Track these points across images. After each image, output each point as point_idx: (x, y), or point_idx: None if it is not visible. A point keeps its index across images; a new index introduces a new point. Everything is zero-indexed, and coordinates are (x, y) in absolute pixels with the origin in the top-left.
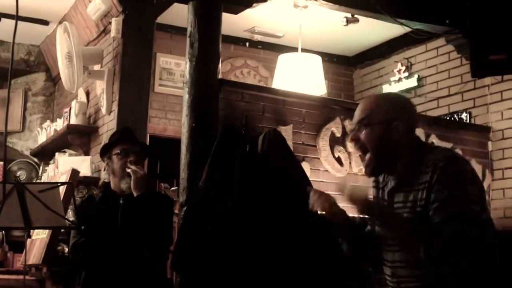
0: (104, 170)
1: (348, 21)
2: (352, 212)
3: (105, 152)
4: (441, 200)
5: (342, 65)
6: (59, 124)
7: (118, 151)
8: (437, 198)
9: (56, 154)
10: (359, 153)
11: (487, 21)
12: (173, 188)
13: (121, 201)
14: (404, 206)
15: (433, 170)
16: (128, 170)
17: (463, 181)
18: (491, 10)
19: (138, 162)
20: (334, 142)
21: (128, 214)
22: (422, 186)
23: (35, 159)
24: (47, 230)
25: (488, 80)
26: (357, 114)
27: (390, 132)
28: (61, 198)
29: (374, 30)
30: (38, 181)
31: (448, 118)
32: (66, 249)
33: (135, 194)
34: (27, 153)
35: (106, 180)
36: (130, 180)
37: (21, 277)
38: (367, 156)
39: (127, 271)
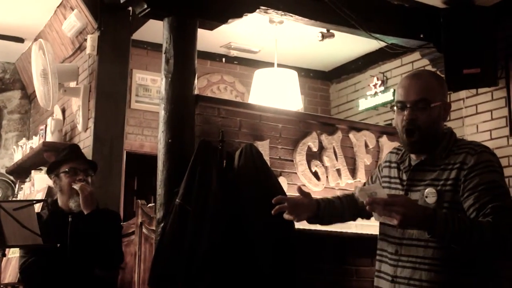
0: None
1: (324, 36)
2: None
3: (53, 170)
4: (488, 182)
5: (319, 79)
6: (35, 142)
7: (67, 169)
8: (483, 180)
9: (32, 171)
10: (406, 132)
11: (460, 35)
12: (150, 205)
13: (69, 219)
14: (429, 184)
15: (469, 152)
16: (75, 187)
17: (500, 169)
18: (464, 24)
19: (86, 180)
20: (311, 156)
21: (78, 232)
22: (450, 167)
23: (11, 177)
24: None
25: (463, 93)
26: (414, 92)
27: (443, 114)
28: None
29: (350, 45)
30: (14, 199)
31: None
32: None
33: (85, 212)
34: (3, 171)
35: (53, 198)
36: (79, 199)
37: None
38: (414, 135)
39: None
